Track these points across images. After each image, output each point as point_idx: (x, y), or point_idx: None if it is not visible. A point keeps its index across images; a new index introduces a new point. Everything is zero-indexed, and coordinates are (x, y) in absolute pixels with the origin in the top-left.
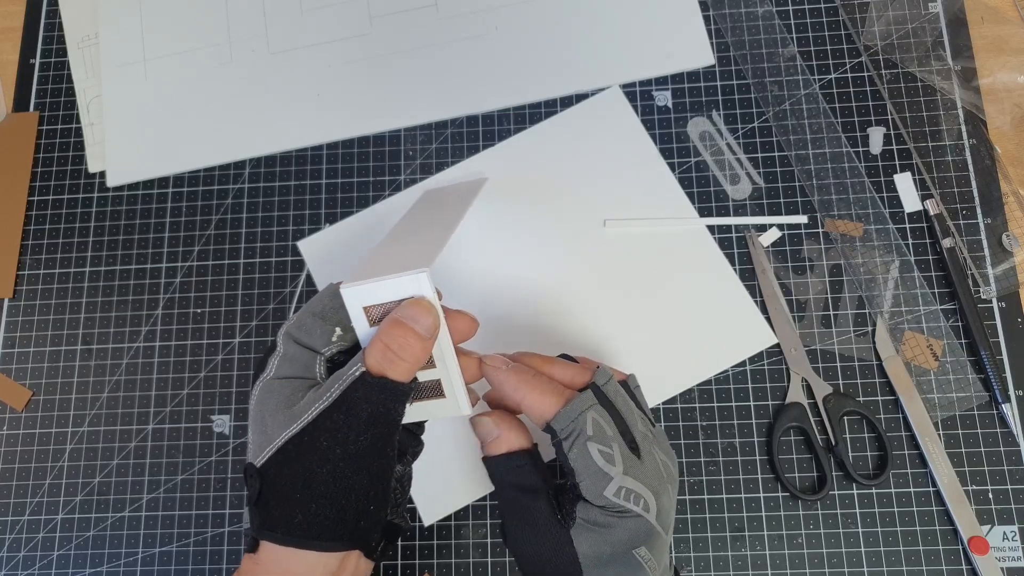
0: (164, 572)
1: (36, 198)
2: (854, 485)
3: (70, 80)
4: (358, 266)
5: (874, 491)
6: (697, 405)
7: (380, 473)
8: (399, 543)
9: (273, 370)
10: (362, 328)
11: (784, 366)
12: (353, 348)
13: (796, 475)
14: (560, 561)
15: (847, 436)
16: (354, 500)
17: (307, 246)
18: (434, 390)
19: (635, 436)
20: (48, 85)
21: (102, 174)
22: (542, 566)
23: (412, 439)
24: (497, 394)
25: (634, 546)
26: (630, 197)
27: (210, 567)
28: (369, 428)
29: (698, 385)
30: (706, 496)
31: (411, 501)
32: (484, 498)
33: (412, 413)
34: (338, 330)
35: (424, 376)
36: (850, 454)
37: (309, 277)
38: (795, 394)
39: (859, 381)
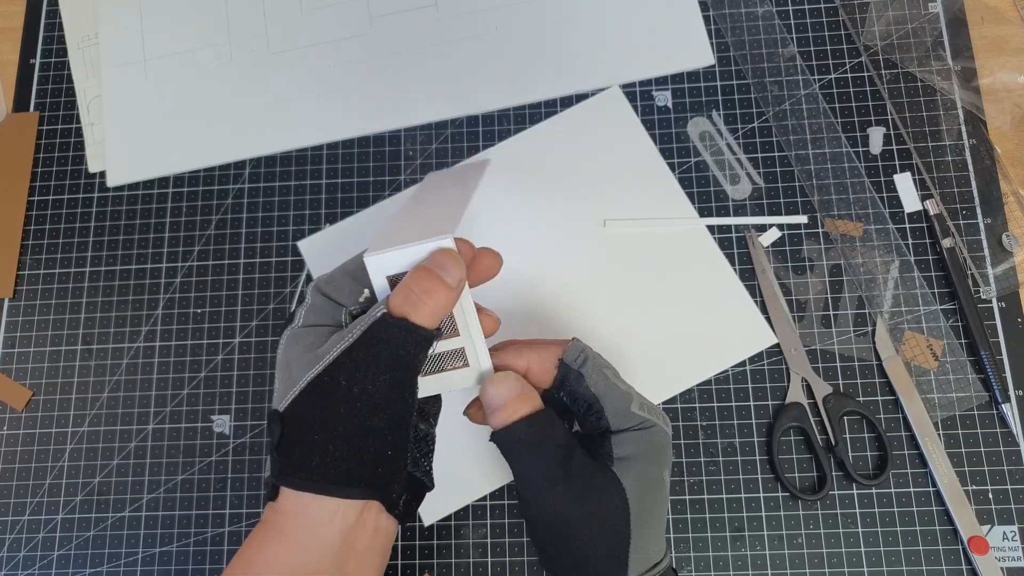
0: (164, 572)
1: (36, 198)
2: (854, 485)
3: (70, 80)
4: (376, 238)
5: (874, 491)
6: (697, 405)
7: (398, 418)
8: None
9: (301, 319)
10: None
11: (784, 366)
12: None
13: (796, 475)
14: (609, 504)
15: (847, 436)
16: (372, 443)
17: (307, 246)
18: (456, 359)
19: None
20: (48, 85)
21: (102, 174)
22: (585, 521)
23: (432, 399)
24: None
25: (662, 467)
26: (630, 197)
27: (210, 567)
28: (388, 370)
29: (698, 385)
30: (706, 496)
31: None
32: (484, 498)
33: (435, 385)
34: (366, 291)
35: (447, 346)
36: (850, 454)
37: (309, 277)
38: (795, 394)
39: (859, 381)
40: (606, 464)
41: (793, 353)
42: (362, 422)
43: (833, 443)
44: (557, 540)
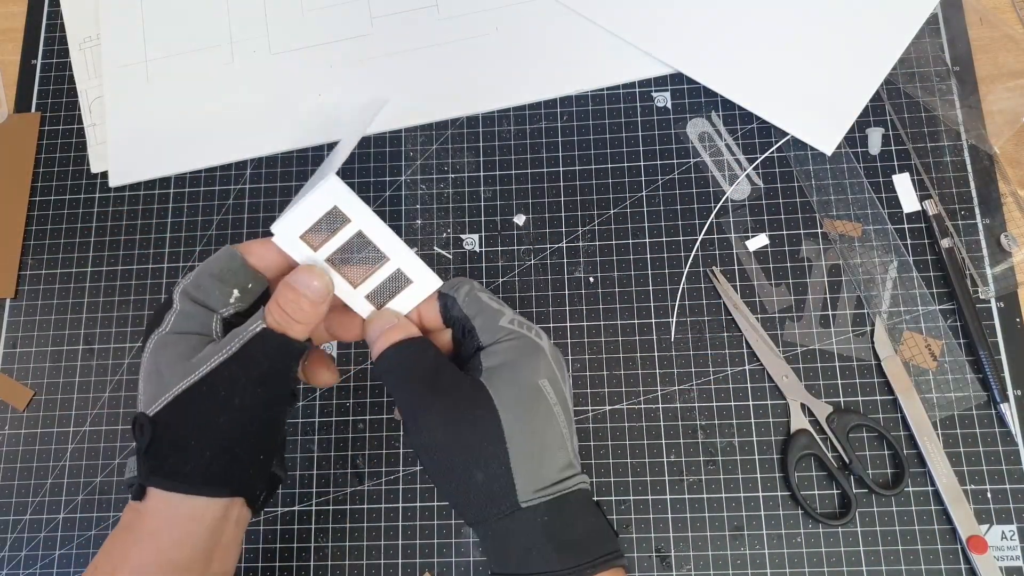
0: None
1: (38, 199)
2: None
3: (72, 81)
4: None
5: (873, 491)
6: (696, 405)
7: (272, 425)
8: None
9: (169, 326)
10: (307, 256)
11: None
12: (249, 310)
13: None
14: (477, 412)
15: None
16: (247, 449)
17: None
18: (396, 282)
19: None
20: (50, 86)
21: (104, 174)
22: (457, 437)
23: (288, 400)
24: None
25: (536, 375)
26: None
27: None
28: (265, 381)
29: (698, 384)
30: (705, 496)
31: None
32: None
33: (406, 306)
34: (236, 292)
35: (376, 280)
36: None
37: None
38: (798, 421)
39: (857, 381)
40: (474, 376)
41: (785, 381)
42: (238, 430)
43: (847, 461)
44: (438, 464)
